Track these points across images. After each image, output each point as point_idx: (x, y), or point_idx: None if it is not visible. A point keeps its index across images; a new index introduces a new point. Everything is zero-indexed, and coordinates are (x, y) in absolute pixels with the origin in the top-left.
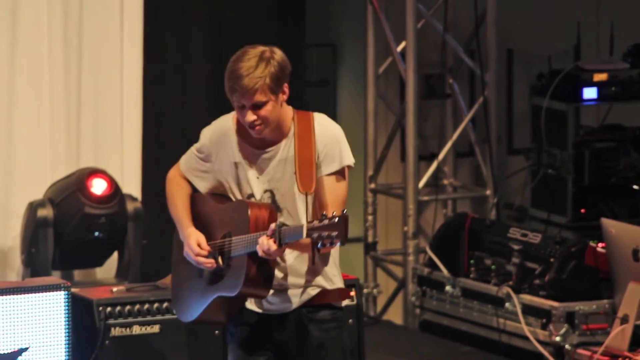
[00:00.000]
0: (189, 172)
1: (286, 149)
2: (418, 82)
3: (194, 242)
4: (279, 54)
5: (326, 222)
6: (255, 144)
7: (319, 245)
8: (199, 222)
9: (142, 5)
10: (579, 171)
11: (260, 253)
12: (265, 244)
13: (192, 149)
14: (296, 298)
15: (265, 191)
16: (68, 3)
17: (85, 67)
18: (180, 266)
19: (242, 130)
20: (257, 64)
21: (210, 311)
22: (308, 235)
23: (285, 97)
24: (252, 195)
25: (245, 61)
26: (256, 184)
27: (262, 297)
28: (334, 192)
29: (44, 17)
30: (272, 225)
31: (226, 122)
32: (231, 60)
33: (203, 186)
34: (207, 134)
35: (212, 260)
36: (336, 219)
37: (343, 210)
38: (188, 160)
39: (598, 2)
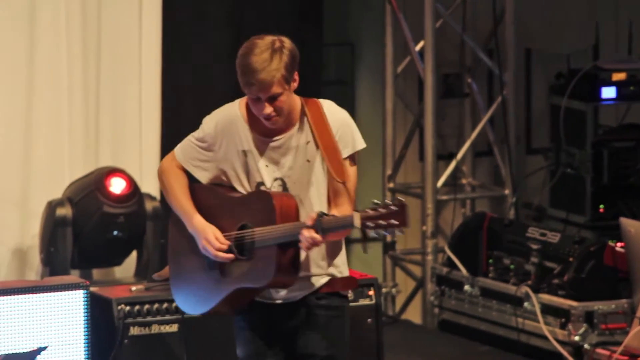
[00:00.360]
0: (188, 162)
1: (297, 136)
2: (436, 82)
3: (212, 236)
4: (287, 42)
5: (383, 210)
6: (264, 132)
7: (380, 234)
8: (205, 213)
9: (161, 4)
10: (598, 171)
11: (305, 245)
12: (310, 235)
13: (191, 139)
14: (306, 286)
15: (276, 179)
16: (86, 3)
17: (104, 66)
18: (181, 258)
19: (251, 118)
20: (272, 56)
21: (223, 303)
22: (363, 226)
23: (295, 85)
24: (262, 184)
25: (258, 54)
26: (266, 172)
27: (288, 287)
28: (349, 178)
29: (62, 17)
30: (313, 215)
31: (233, 110)
32: (241, 54)
33: (204, 176)
34: (211, 122)
35: (232, 255)
36: (394, 207)
37: (394, 198)
38: (186, 150)
39: (617, 2)
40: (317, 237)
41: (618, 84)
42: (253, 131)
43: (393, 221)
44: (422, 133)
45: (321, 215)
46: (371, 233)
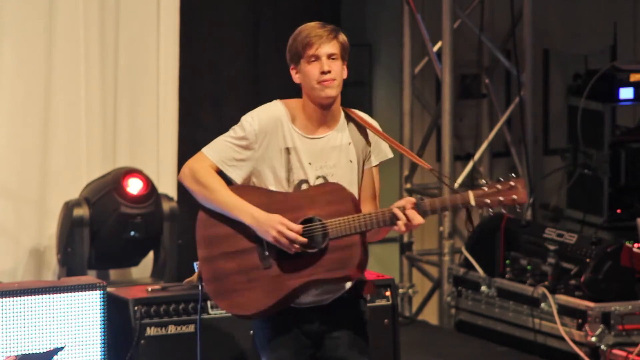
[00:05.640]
0: (222, 162)
1: (340, 136)
2: (454, 82)
3: (285, 222)
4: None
5: (500, 187)
6: (307, 129)
7: (496, 210)
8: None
9: (179, 4)
10: (615, 171)
11: (401, 228)
12: (413, 216)
13: (226, 138)
14: (336, 290)
15: (318, 177)
16: (104, 2)
17: (122, 66)
18: (219, 260)
19: (294, 115)
20: (327, 24)
21: (285, 299)
22: (479, 204)
23: (345, 75)
24: (305, 181)
25: (314, 22)
26: (309, 170)
27: (356, 278)
28: (378, 183)
29: (80, 17)
30: (411, 199)
31: (276, 108)
32: (293, 34)
33: (239, 176)
34: (255, 121)
35: (306, 240)
36: (513, 183)
37: (512, 175)
38: (221, 150)
39: (635, 2)
40: (420, 219)
41: (636, 85)
42: (297, 129)
43: (514, 196)
44: (440, 134)
45: (421, 198)
46: (487, 210)
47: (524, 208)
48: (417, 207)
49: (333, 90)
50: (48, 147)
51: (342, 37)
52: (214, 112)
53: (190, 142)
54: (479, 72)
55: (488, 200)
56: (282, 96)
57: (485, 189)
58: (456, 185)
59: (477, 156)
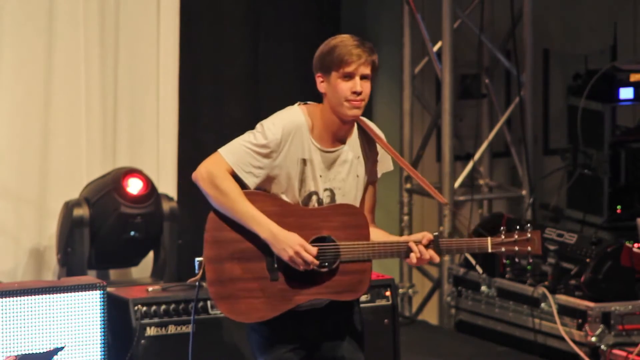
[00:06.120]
0: (239, 167)
1: (351, 150)
2: (454, 82)
3: (305, 245)
4: None
5: (517, 237)
6: (323, 141)
7: (510, 257)
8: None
9: (179, 4)
10: (615, 171)
11: (413, 261)
12: (429, 256)
13: (246, 144)
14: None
15: (325, 190)
16: (104, 2)
17: (122, 67)
18: (226, 263)
19: (312, 125)
20: (365, 42)
21: (288, 313)
22: (494, 249)
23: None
24: (315, 193)
25: (351, 36)
26: (320, 182)
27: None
28: (375, 197)
29: (80, 17)
30: (429, 235)
31: (298, 117)
32: (332, 42)
33: (253, 182)
34: (277, 128)
35: (317, 262)
36: (528, 235)
37: (528, 227)
38: (239, 154)
39: (635, 2)
40: (436, 257)
41: (636, 85)
42: (314, 140)
43: (529, 248)
44: (440, 134)
45: (439, 236)
46: (502, 257)
47: (532, 260)
48: (434, 244)
49: (359, 111)
50: (48, 147)
51: (376, 57)
52: (214, 112)
53: (190, 142)
54: (479, 72)
55: (504, 249)
56: (281, 96)
57: (503, 236)
58: (456, 185)
59: (477, 156)
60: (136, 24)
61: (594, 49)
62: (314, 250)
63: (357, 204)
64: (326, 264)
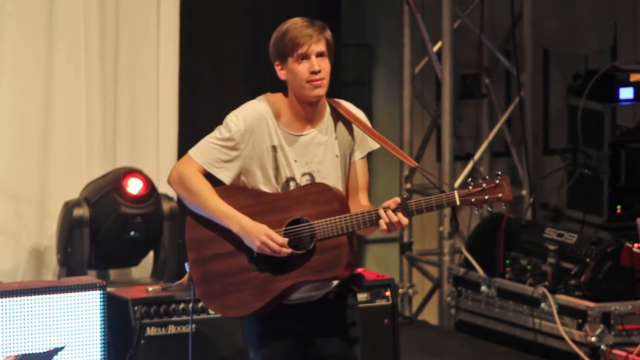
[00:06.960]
0: (210, 165)
1: (325, 131)
2: (454, 82)
3: (270, 234)
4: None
5: (485, 185)
6: (292, 126)
7: (482, 208)
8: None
9: (179, 4)
10: (615, 171)
11: (383, 227)
12: (398, 219)
13: (212, 140)
14: (324, 286)
15: (304, 174)
16: (105, 2)
17: (122, 67)
18: (210, 262)
19: (278, 112)
20: (314, 21)
21: (274, 301)
22: (464, 202)
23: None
24: (292, 179)
25: (300, 19)
26: (295, 167)
27: (344, 278)
28: (366, 176)
29: (81, 17)
30: (397, 199)
31: (260, 107)
32: (283, 27)
33: (227, 177)
34: (239, 120)
35: (290, 250)
36: (497, 181)
37: (497, 174)
38: (206, 152)
39: (635, 2)
40: (405, 219)
41: (636, 85)
42: (282, 126)
43: (499, 195)
44: (440, 134)
45: (407, 198)
46: (473, 209)
47: (505, 206)
48: (402, 207)
49: (322, 90)
50: (48, 147)
51: (329, 33)
52: (214, 112)
53: (190, 143)
54: (479, 72)
55: (473, 199)
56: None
57: (470, 187)
58: (456, 184)
59: (477, 156)
60: (136, 24)
61: (594, 49)
62: (280, 239)
63: (341, 184)
64: (302, 245)
